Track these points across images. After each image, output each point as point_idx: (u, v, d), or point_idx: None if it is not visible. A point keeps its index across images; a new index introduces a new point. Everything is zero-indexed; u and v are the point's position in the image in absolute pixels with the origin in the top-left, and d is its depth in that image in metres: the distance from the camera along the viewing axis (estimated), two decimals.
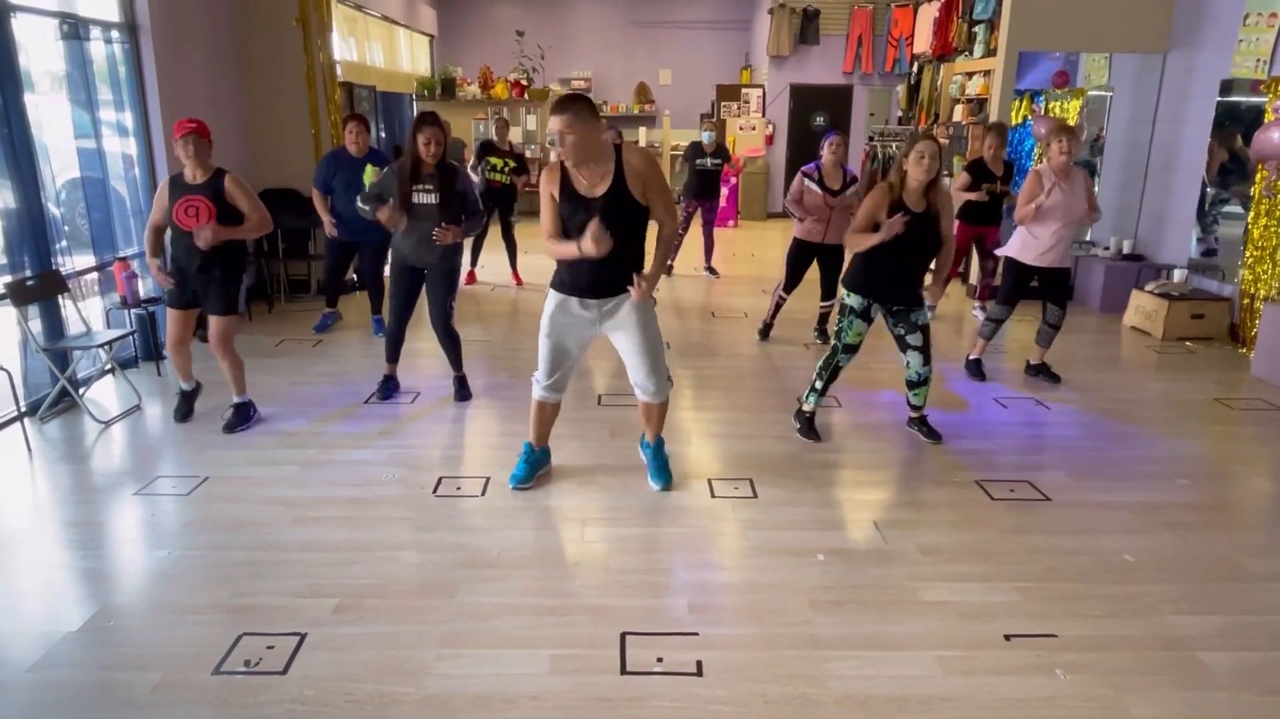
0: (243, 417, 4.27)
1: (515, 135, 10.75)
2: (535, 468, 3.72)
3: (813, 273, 5.83)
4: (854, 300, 4.10)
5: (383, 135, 9.86)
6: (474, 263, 7.82)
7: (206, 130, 4.02)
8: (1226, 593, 2.94)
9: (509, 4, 13.85)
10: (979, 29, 9.77)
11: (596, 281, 3.30)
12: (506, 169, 7.43)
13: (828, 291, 5.88)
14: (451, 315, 4.63)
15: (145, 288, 5.17)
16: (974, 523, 3.41)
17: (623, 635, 2.64)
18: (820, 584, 2.95)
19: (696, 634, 2.66)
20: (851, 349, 4.17)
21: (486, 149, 7.51)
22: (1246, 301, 5.94)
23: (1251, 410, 4.80)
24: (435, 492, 3.62)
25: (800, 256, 5.78)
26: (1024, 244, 4.99)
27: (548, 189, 3.29)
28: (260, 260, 6.96)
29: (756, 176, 12.43)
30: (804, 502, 3.59)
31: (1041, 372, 5.19)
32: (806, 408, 4.31)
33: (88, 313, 4.79)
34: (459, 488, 3.66)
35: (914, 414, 4.33)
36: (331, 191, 5.69)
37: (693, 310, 6.98)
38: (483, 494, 3.61)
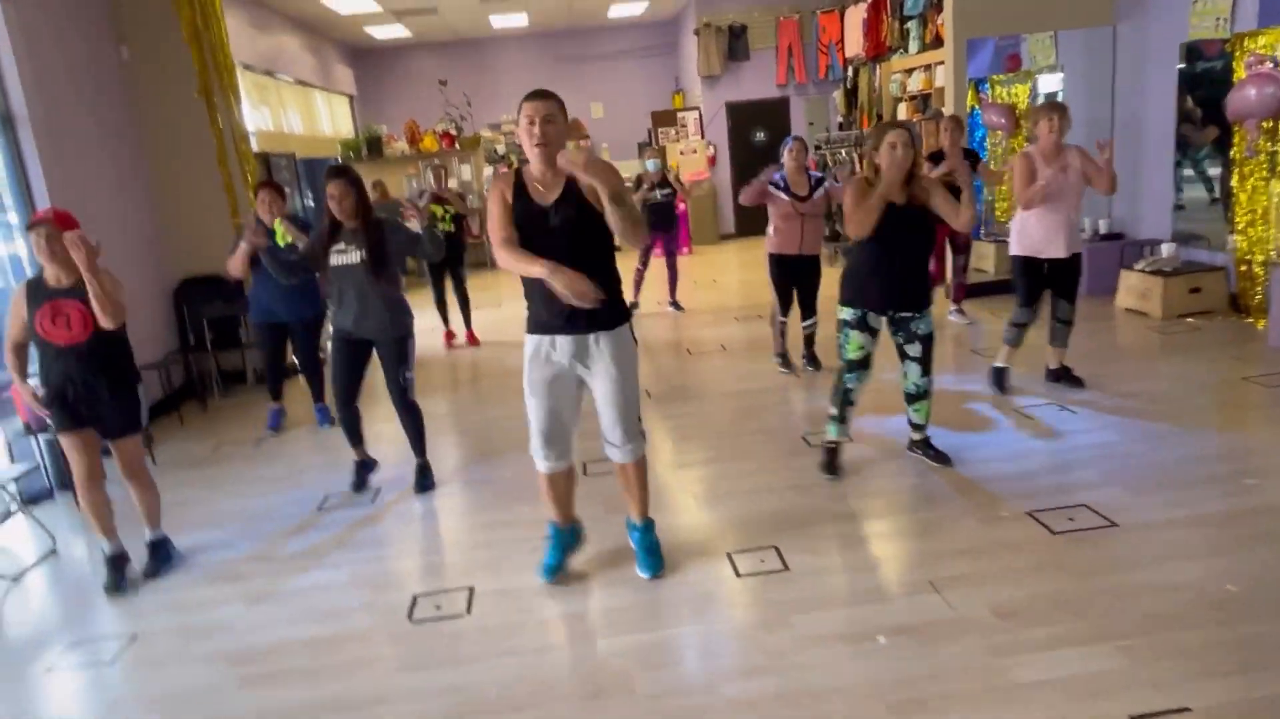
0: (163, 556, 3.61)
1: (452, 184, 10.27)
2: (566, 551, 3.22)
3: None
4: (846, 313, 3.68)
5: (309, 204, 9.28)
6: (445, 322, 7.28)
7: (70, 221, 3.33)
8: None
9: (428, 55, 13.39)
10: (911, 25, 9.58)
11: (572, 311, 2.85)
12: (449, 216, 6.94)
13: (807, 310, 5.44)
14: (409, 388, 4.08)
15: None
16: (1042, 567, 2.94)
17: None
18: (891, 678, 2.44)
19: None
20: (856, 366, 3.70)
21: (435, 200, 7.02)
22: (1244, 268, 5.65)
23: None
24: (411, 616, 3.05)
25: (782, 272, 5.35)
26: (1018, 236, 4.60)
27: (500, 193, 2.86)
28: (188, 355, 6.33)
29: (704, 200, 12.09)
30: (842, 567, 3.09)
31: (1063, 377, 4.68)
32: (829, 438, 3.84)
33: None
34: (439, 607, 3.09)
35: (916, 436, 3.92)
36: (255, 265, 5.04)
37: (664, 349, 6.49)
38: (468, 611, 3.04)
